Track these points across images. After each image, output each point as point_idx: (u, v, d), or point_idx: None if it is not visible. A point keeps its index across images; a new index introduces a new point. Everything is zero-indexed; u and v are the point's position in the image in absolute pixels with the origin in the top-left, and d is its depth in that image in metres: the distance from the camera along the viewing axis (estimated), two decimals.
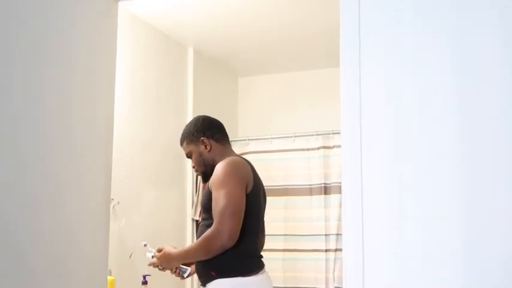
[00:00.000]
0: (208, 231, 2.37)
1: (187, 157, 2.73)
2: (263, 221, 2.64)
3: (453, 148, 1.70)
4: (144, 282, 3.02)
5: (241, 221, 2.39)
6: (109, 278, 2.45)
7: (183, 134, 2.72)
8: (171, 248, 2.58)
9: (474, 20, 1.73)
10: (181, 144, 2.72)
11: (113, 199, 3.12)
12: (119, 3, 2.23)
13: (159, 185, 3.89)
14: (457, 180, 1.68)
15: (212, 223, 2.42)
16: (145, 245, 2.74)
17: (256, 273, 2.45)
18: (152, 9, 3.62)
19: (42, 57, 1.80)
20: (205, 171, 2.65)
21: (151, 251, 2.63)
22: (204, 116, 2.77)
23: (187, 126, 2.74)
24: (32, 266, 1.72)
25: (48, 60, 1.82)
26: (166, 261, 2.55)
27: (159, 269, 2.62)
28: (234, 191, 2.41)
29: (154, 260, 2.59)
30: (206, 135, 2.65)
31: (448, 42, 1.75)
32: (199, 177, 3.56)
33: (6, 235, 1.63)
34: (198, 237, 2.54)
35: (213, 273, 2.43)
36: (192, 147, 2.66)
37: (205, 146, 2.63)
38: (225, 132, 2.71)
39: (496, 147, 1.67)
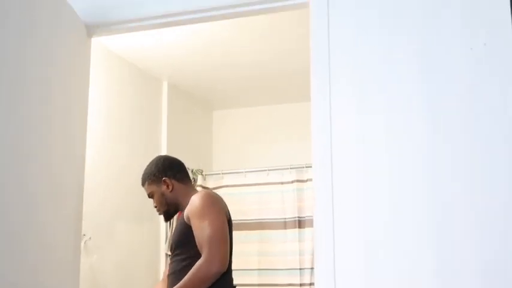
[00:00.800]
0: (199, 261, 2.33)
1: (149, 197, 2.72)
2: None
3: (422, 181, 1.73)
4: None
5: (228, 247, 2.40)
6: None
7: (144, 175, 2.72)
8: None
9: (439, 33, 1.78)
10: (143, 185, 2.71)
11: (84, 234, 3.08)
12: (92, 38, 2.25)
13: (132, 221, 3.84)
14: (428, 213, 1.71)
15: (186, 257, 2.40)
16: None
17: None
18: (127, 44, 3.64)
19: (18, 89, 1.79)
20: (167, 211, 2.66)
21: None
22: (165, 155, 2.84)
23: (148, 166, 2.73)
24: None
25: (24, 91, 1.81)
26: None
27: None
28: (218, 219, 2.41)
29: None
30: (168, 175, 2.65)
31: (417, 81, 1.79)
32: None
33: None
34: (169, 273, 2.49)
35: None
36: (153, 188, 2.66)
37: (167, 186, 2.63)
38: (186, 172, 2.73)
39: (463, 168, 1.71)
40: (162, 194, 2.63)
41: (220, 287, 2.39)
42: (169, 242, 4.07)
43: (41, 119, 1.90)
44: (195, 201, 2.46)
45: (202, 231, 2.37)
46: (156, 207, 2.69)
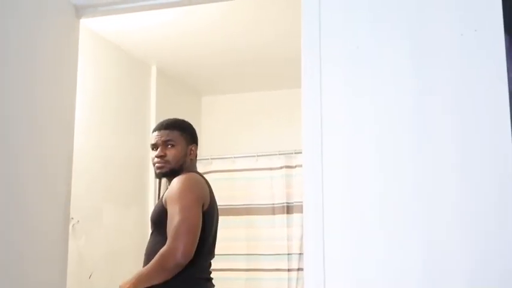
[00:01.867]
0: (162, 249, 2.28)
1: (157, 146, 2.52)
2: (214, 242, 2.54)
3: (409, 164, 1.73)
4: None
5: (197, 238, 2.31)
6: None
7: (178, 124, 2.57)
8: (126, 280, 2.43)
9: (430, 18, 1.78)
10: (168, 129, 2.53)
11: (72, 218, 3.07)
12: (81, 20, 2.22)
13: (119, 203, 3.84)
14: (417, 193, 1.72)
15: (160, 239, 2.35)
16: None
17: None
18: (115, 27, 3.61)
19: (4, 70, 1.77)
20: (172, 170, 2.49)
21: None
22: None
23: (184, 121, 2.61)
24: None
25: (11, 72, 1.79)
26: None
27: None
28: (191, 207, 2.33)
29: None
30: (196, 144, 2.60)
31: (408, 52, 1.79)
32: (161, 193, 3.44)
33: None
34: (145, 255, 2.45)
35: None
36: (180, 141, 2.51)
37: (191, 153, 2.55)
38: None
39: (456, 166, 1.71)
40: (184, 155, 2.51)
41: (186, 279, 2.33)
42: None
43: (29, 102, 1.88)
44: (174, 185, 2.40)
45: (172, 218, 2.31)
46: (161, 157, 2.49)
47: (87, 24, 3.39)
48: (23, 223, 1.81)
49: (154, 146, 2.54)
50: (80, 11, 2.19)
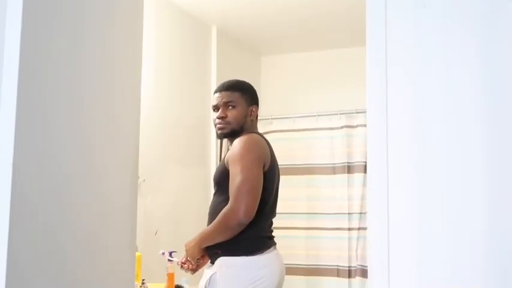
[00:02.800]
0: (225, 209, 2.34)
1: (221, 106, 2.54)
2: (275, 202, 2.58)
3: (478, 139, 1.70)
4: (170, 258, 3.08)
5: (259, 198, 2.35)
6: (136, 254, 2.49)
7: (239, 85, 2.59)
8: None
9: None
10: (229, 90, 2.55)
11: (139, 177, 3.17)
12: None
13: (183, 164, 3.93)
14: (482, 173, 1.68)
15: (223, 199, 2.41)
16: (163, 254, 2.79)
17: (262, 252, 2.41)
18: None
19: (78, 34, 1.82)
20: (233, 130, 2.52)
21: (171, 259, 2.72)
22: None
23: (245, 82, 2.63)
24: (62, 241, 1.76)
25: (84, 36, 1.85)
26: (190, 251, 2.46)
27: (191, 271, 2.50)
28: (252, 167, 2.37)
29: (180, 258, 2.54)
30: (257, 105, 2.63)
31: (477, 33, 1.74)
32: (223, 154, 3.50)
33: (36, 208, 1.67)
34: (209, 214, 2.51)
35: (219, 251, 2.41)
36: (241, 102, 2.54)
37: (251, 114, 2.58)
38: None
39: None
40: (245, 115, 2.54)
41: (248, 238, 2.38)
42: None
43: (99, 65, 1.93)
44: (235, 146, 2.44)
45: (233, 178, 2.36)
46: (222, 118, 2.52)
47: None
48: (95, 182, 1.89)
49: (216, 107, 2.58)
50: None
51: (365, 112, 1.85)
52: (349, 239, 4.11)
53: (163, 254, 2.93)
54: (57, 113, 1.74)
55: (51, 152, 1.72)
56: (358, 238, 4.09)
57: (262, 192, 2.40)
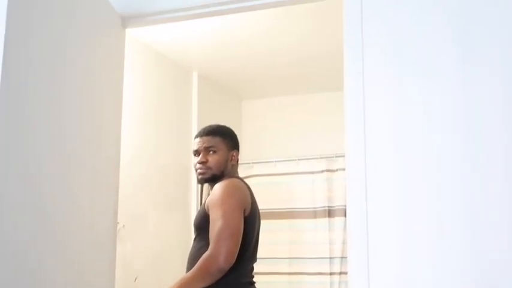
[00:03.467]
0: (205, 254, 2.29)
1: (199, 152, 2.55)
2: (256, 247, 2.55)
3: (460, 171, 1.72)
4: None
5: (239, 243, 2.32)
6: None
7: (218, 130, 2.59)
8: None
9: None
10: (210, 135, 2.55)
11: (118, 222, 3.14)
12: (126, 29, 2.28)
13: (164, 209, 3.89)
14: (465, 212, 1.70)
15: (203, 244, 2.37)
16: None
17: None
18: (157, 35, 3.67)
19: (59, 80, 1.83)
20: (214, 175, 2.51)
21: None
22: None
23: (226, 127, 2.63)
24: (41, 287, 1.74)
25: (66, 80, 1.86)
26: None
27: None
28: (233, 212, 2.34)
29: None
30: (238, 149, 2.62)
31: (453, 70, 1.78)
32: (204, 199, 3.46)
33: (18, 256, 1.64)
34: (188, 260, 2.48)
35: None
36: (221, 147, 2.54)
37: (232, 159, 2.57)
38: None
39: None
40: (225, 160, 2.53)
41: (229, 284, 2.33)
42: None
43: (80, 113, 1.95)
44: (215, 191, 2.42)
45: (214, 223, 2.33)
46: (203, 163, 2.52)
47: (131, 33, 3.47)
48: (76, 227, 1.87)
49: (197, 152, 2.59)
50: (126, 21, 2.25)
51: (345, 156, 1.87)
52: (331, 283, 4.07)
53: None
54: (39, 160, 1.74)
55: (32, 198, 1.71)
56: (339, 283, 4.05)
57: (243, 237, 2.38)
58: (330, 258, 4.10)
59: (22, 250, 1.67)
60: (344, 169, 3.85)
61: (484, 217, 1.68)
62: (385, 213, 1.75)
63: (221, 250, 2.28)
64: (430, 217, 1.72)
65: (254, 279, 2.54)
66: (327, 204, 4.18)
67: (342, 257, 4.05)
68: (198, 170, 2.56)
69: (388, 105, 1.80)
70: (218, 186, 2.45)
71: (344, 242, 4.02)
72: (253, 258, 2.54)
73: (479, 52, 1.74)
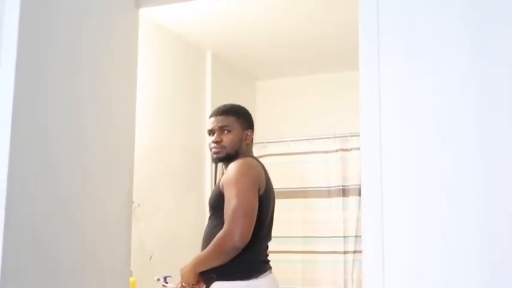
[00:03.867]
0: (220, 232, 2.33)
1: (213, 131, 2.56)
2: (271, 226, 2.58)
3: (471, 150, 1.71)
4: (165, 283, 3.06)
5: (254, 221, 2.35)
6: (130, 279, 2.48)
7: (234, 109, 2.60)
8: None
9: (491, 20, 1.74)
10: (224, 115, 2.56)
11: (133, 202, 3.16)
12: (140, 9, 2.27)
13: (177, 189, 3.92)
14: (477, 185, 1.69)
15: (218, 223, 2.40)
16: (158, 280, 2.77)
17: (257, 276, 2.40)
18: (171, 15, 3.67)
19: (73, 63, 1.84)
20: (228, 154, 2.52)
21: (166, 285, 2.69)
22: None
23: (240, 107, 2.64)
24: (57, 266, 1.76)
25: (67, 62, 1.86)
26: (186, 276, 2.43)
27: None
28: (247, 191, 2.37)
29: (175, 284, 2.53)
30: (252, 129, 2.63)
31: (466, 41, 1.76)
32: (218, 178, 3.46)
33: (33, 234, 1.67)
34: (203, 238, 2.50)
35: (214, 276, 2.39)
36: (236, 127, 2.55)
37: (247, 138, 2.58)
38: None
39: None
40: (240, 140, 2.54)
41: (243, 262, 2.37)
42: None
43: (95, 95, 1.95)
44: (230, 170, 2.44)
45: (228, 202, 2.36)
46: (217, 142, 2.53)
47: (145, 13, 3.46)
48: (91, 207, 1.89)
49: (211, 132, 2.59)
50: (139, 1, 2.24)
51: (359, 135, 1.86)
52: (345, 262, 4.10)
53: (158, 280, 2.91)
54: (55, 139, 1.76)
55: (48, 176, 1.73)
56: (353, 261, 4.08)
57: (258, 216, 2.39)
58: (344, 237, 4.12)
59: (38, 227, 1.69)
60: (358, 148, 3.89)
61: (500, 203, 1.67)
62: (400, 192, 1.75)
63: (236, 228, 2.30)
64: (444, 197, 1.72)
65: (268, 258, 2.56)
66: (341, 184, 4.18)
67: (356, 236, 4.06)
68: (213, 150, 2.57)
69: (403, 86, 1.79)
70: (233, 166, 2.47)
71: (358, 221, 4.03)
72: (267, 237, 2.56)
73: (493, 44, 1.72)
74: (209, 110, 4.26)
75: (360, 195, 3.88)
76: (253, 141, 2.66)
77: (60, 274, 1.76)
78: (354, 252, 4.07)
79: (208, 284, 2.43)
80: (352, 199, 4.11)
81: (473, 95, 1.72)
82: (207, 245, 2.40)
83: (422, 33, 1.79)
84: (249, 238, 2.33)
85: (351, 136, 4.21)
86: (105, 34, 2.01)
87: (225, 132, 2.55)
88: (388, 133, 1.76)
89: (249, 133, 2.60)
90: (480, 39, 1.75)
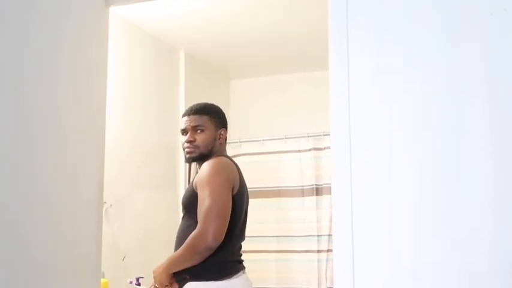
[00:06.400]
0: (193, 233, 2.32)
1: (187, 131, 2.55)
2: (244, 225, 2.57)
3: (443, 148, 1.73)
4: (138, 284, 3.04)
5: (227, 221, 2.34)
6: (102, 280, 2.46)
7: (206, 108, 2.58)
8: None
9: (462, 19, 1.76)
10: (197, 114, 2.55)
11: (105, 202, 3.14)
12: (110, 8, 2.25)
13: (151, 188, 3.90)
14: (449, 182, 1.71)
15: (191, 223, 2.39)
16: (130, 282, 2.76)
17: (231, 277, 2.40)
18: (143, 14, 3.64)
19: (33, 58, 1.82)
20: (202, 154, 2.52)
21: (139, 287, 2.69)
22: None
23: (214, 106, 2.62)
24: (26, 269, 1.73)
25: (38, 61, 1.84)
26: (159, 278, 2.41)
27: None
28: (221, 190, 2.36)
29: (148, 285, 2.52)
30: (226, 128, 2.62)
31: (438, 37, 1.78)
32: (192, 178, 3.47)
33: (2, 233, 1.64)
34: (176, 238, 2.49)
35: (187, 276, 2.37)
36: (209, 126, 2.54)
37: (220, 137, 2.57)
38: None
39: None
40: (213, 139, 2.53)
41: (217, 262, 2.37)
42: None
43: (65, 93, 1.93)
44: (203, 170, 2.43)
45: (202, 202, 2.35)
46: (191, 142, 2.52)
47: (117, 12, 3.43)
48: (61, 208, 1.87)
49: (184, 131, 2.58)
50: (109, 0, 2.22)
51: None
52: (319, 261, 4.11)
53: (130, 282, 2.88)
54: (26, 138, 1.73)
55: (18, 175, 1.71)
56: (327, 260, 4.09)
57: (231, 216, 2.39)
58: (318, 236, 4.14)
59: (9, 227, 1.67)
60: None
61: (465, 191, 1.69)
62: (370, 190, 1.76)
63: (209, 228, 2.29)
64: (414, 194, 1.73)
65: (242, 258, 2.56)
66: (314, 183, 4.20)
67: (329, 235, 4.08)
68: (186, 149, 2.56)
69: (373, 84, 1.80)
70: (206, 165, 2.45)
71: (331, 220, 4.04)
72: (241, 236, 2.55)
73: (464, 43, 1.75)
74: (183, 109, 4.23)
75: None
76: (227, 141, 2.66)
77: (28, 277, 1.74)
78: (328, 251, 4.09)
79: (181, 285, 2.41)
80: (326, 198, 4.12)
81: (446, 91, 1.74)
82: (181, 245, 2.39)
83: (393, 29, 1.80)
84: (223, 238, 2.32)
85: (324, 135, 4.22)
86: (75, 33, 1.99)
87: (198, 131, 2.54)
88: (358, 131, 1.78)
89: (222, 132, 2.59)
90: (453, 34, 1.77)
